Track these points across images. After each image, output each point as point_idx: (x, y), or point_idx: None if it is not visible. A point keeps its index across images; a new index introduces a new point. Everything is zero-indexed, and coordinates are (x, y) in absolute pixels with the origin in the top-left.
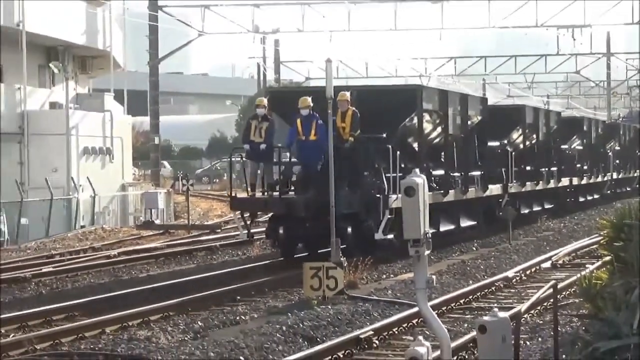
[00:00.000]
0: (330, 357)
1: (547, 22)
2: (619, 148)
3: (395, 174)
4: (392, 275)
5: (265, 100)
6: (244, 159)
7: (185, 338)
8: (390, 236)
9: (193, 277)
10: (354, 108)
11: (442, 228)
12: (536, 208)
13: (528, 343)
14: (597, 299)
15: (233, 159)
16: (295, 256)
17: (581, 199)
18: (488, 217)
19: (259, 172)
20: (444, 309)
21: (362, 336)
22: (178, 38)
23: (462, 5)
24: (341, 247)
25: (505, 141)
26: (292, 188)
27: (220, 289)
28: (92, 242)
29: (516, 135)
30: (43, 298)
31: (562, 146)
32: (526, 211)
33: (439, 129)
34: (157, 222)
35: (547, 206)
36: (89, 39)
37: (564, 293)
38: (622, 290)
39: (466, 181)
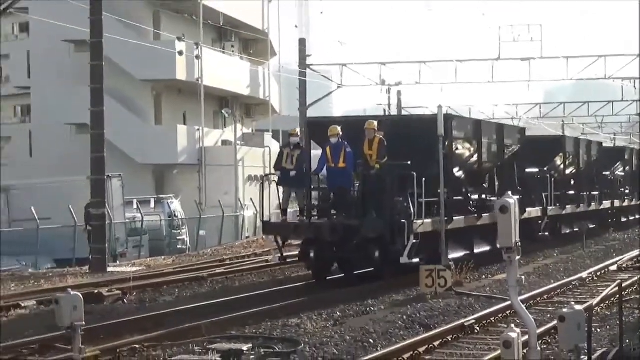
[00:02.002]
0: (441, 341)
1: (614, 74)
2: None
3: (420, 200)
4: (489, 276)
5: (298, 130)
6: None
7: (327, 325)
8: (416, 260)
9: (332, 277)
10: (381, 136)
11: (477, 250)
12: (577, 229)
13: (599, 330)
14: None
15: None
16: (328, 278)
17: (623, 219)
18: (528, 238)
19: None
20: (531, 302)
21: (466, 324)
22: (322, 89)
23: (546, 61)
24: (368, 269)
25: (545, 168)
26: (322, 213)
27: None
28: (254, 249)
29: (557, 163)
30: (215, 293)
31: (604, 172)
32: (567, 231)
33: (474, 156)
34: None
35: (590, 226)
36: (252, 91)
37: (628, 290)
38: None
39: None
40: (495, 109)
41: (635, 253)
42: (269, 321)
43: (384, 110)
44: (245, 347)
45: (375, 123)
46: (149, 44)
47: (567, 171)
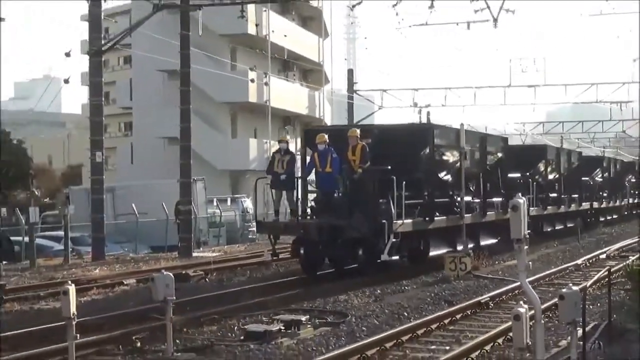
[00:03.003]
0: (462, 314)
1: (604, 99)
2: (634, 180)
3: (399, 202)
4: (502, 262)
5: (287, 137)
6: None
7: (369, 301)
8: (396, 257)
9: (322, 272)
10: (363, 143)
11: (459, 247)
12: (559, 227)
13: (591, 307)
14: (636, 278)
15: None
16: (318, 273)
17: (602, 219)
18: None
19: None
20: (535, 284)
21: (482, 301)
22: (366, 110)
23: (548, 88)
24: (352, 266)
25: (528, 173)
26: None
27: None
28: None
29: (540, 169)
30: (279, 274)
31: (584, 178)
32: (549, 229)
33: (458, 162)
34: None
35: (569, 225)
36: (310, 111)
37: (615, 275)
38: None
39: (484, 206)
40: (507, 126)
41: (620, 244)
42: (322, 297)
43: None
44: (303, 318)
45: (358, 131)
46: (227, 73)
47: (550, 176)
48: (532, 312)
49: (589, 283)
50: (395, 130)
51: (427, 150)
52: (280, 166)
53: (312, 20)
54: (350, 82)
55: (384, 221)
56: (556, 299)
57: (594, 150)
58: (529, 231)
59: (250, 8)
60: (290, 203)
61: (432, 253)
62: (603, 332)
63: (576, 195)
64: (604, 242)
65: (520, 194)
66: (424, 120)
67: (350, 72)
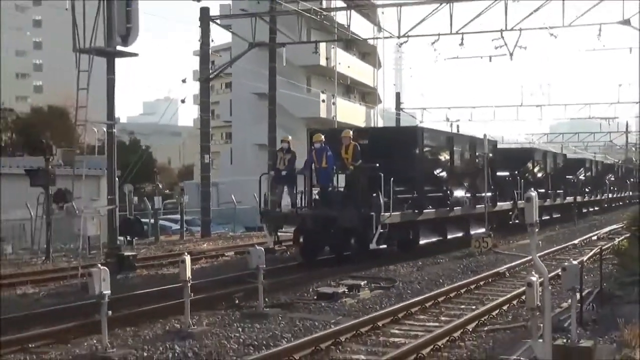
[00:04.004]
0: (484, 281)
1: (595, 115)
2: (614, 179)
3: (387, 196)
4: (516, 242)
5: (289, 138)
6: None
7: (413, 270)
8: (384, 246)
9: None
10: (355, 142)
11: (450, 236)
12: (545, 217)
13: (586, 277)
14: (622, 255)
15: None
16: (318, 258)
17: (584, 210)
18: (501, 224)
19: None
20: (542, 258)
21: (500, 271)
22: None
23: (552, 107)
24: (345, 254)
25: (516, 172)
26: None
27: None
28: None
29: (529, 168)
30: None
31: (568, 176)
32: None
33: (447, 161)
34: None
35: (555, 215)
36: (367, 125)
37: (605, 252)
38: (635, 251)
39: (475, 200)
40: (519, 137)
41: (608, 228)
42: (376, 267)
43: None
44: (362, 283)
45: (351, 132)
46: (303, 95)
47: (539, 175)
48: (541, 280)
49: (584, 258)
50: (389, 132)
51: (417, 150)
52: (282, 164)
53: (368, 55)
54: (398, 103)
55: (372, 213)
56: (559, 271)
57: (587, 156)
58: (517, 221)
59: (322, 45)
60: (291, 196)
61: (422, 242)
62: (596, 296)
63: (561, 191)
64: (595, 227)
65: (514, 190)
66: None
67: (398, 95)
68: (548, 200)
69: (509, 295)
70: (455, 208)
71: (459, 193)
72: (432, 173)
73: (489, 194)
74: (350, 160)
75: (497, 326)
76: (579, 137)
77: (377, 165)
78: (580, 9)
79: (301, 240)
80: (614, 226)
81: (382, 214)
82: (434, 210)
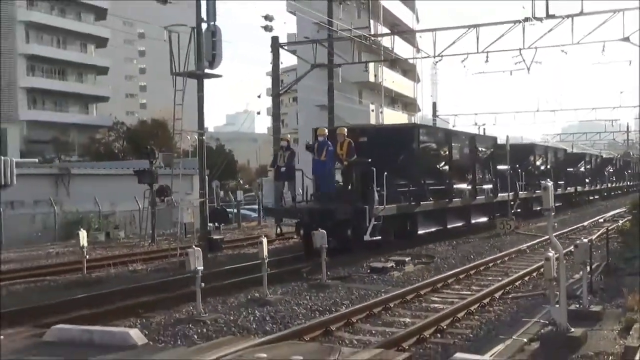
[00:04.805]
0: (508, 257)
1: (601, 118)
2: (612, 170)
3: (381, 190)
4: (535, 224)
5: (289, 137)
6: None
7: (448, 248)
8: (378, 237)
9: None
10: (349, 139)
11: (450, 225)
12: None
13: (595, 253)
14: (625, 234)
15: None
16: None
17: (585, 199)
18: (502, 214)
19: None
20: (557, 237)
21: (521, 248)
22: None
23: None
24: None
25: (517, 165)
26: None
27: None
28: None
29: (530, 161)
30: None
31: (569, 169)
32: (538, 208)
33: (446, 157)
34: None
35: (556, 204)
36: None
37: (610, 232)
38: (636, 231)
39: (474, 192)
40: (535, 137)
41: (612, 212)
42: (417, 247)
43: None
44: (407, 259)
45: (345, 130)
46: (356, 106)
47: (542, 167)
48: (557, 255)
49: (593, 237)
50: (388, 129)
51: (414, 146)
52: (282, 161)
53: (409, 72)
54: (434, 111)
55: (365, 206)
56: (572, 248)
57: (589, 151)
58: (519, 210)
59: (371, 65)
60: (291, 191)
61: (420, 231)
62: (603, 269)
63: (562, 182)
64: (601, 211)
65: (515, 182)
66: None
67: (434, 104)
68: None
69: (529, 269)
70: (454, 199)
71: (458, 185)
72: (429, 167)
73: (490, 185)
74: (345, 156)
75: (520, 294)
76: (586, 136)
77: (370, 160)
78: (586, 29)
79: (302, 232)
80: (617, 210)
81: (376, 206)
82: (432, 202)
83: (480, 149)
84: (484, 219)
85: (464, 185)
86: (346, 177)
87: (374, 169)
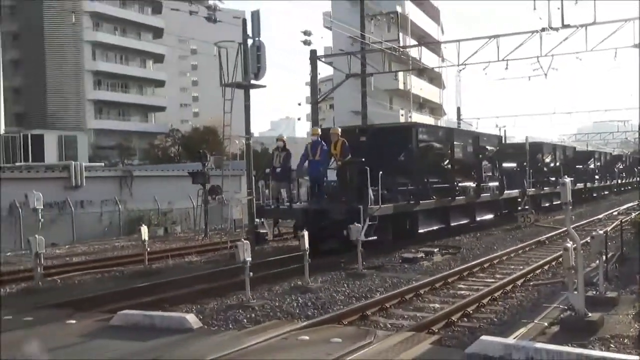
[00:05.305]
0: (529, 247)
1: (613, 119)
2: (622, 167)
3: (376, 189)
4: (553, 217)
5: (284, 137)
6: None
7: (473, 239)
8: (374, 238)
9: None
10: (343, 139)
11: (453, 223)
12: (556, 202)
13: (610, 243)
14: (638, 226)
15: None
16: (322, 249)
17: (595, 195)
18: (511, 211)
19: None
20: (574, 229)
21: (541, 239)
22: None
23: (579, 113)
24: (339, 245)
25: (524, 163)
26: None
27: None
28: None
29: (539, 159)
30: None
31: (577, 166)
32: (547, 204)
33: (446, 155)
34: None
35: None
36: None
37: (625, 223)
38: None
39: (479, 190)
40: (553, 137)
41: (626, 206)
42: (445, 238)
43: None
44: (435, 250)
45: (339, 129)
46: (387, 111)
47: (551, 165)
48: (575, 246)
49: (608, 229)
50: (387, 129)
51: (413, 145)
52: (278, 161)
53: (435, 79)
54: (458, 114)
55: (360, 206)
56: (589, 239)
57: (605, 149)
58: (527, 207)
59: (400, 74)
60: (287, 192)
61: (421, 230)
62: (618, 258)
63: (571, 179)
64: (615, 205)
65: (523, 180)
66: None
67: (458, 109)
68: (559, 187)
69: (548, 258)
70: (457, 198)
71: (462, 183)
72: (430, 166)
73: (496, 183)
74: (339, 156)
75: (540, 281)
76: (600, 136)
77: (369, 159)
78: (599, 36)
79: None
80: (630, 204)
81: (371, 206)
82: (432, 200)
83: (485, 147)
84: (490, 216)
85: (467, 183)
86: (341, 177)
87: (368, 169)
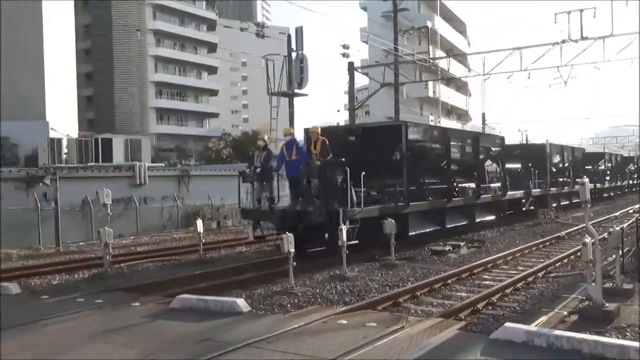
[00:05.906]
0: (549, 242)
1: (628, 123)
2: (633, 168)
3: (357, 190)
4: (572, 214)
5: (266, 136)
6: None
7: (497, 234)
8: (356, 241)
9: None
10: (323, 138)
11: (449, 225)
12: (564, 202)
13: (626, 239)
14: None
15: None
16: (309, 250)
17: (605, 195)
18: (515, 212)
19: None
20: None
21: (561, 235)
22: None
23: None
24: (320, 248)
25: (530, 164)
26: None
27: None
28: None
29: (545, 160)
30: None
31: (587, 167)
32: (554, 205)
33: (441, 155)
34: None
35: (574, 200)
36: None
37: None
38: None
39: (479, 190)
40: (572, 141)
41: (638, 206)
42: (471, 233)
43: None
44: (461, 243)
45: (319, 128)
46: (418, 117)
47: (560, 166)
48: (593, 241)
49: (624, 225)
50: (375, 128)
51: (403, 144)
52: (258, 161)
53: (462, 88)
54: (483, 120)
55: (339, 209)
56: (606, 234)
57: (623, 152)
58: (532, 207)
59: (430, 83)
60: (268, 192)
61: (411, 233)
62: (634, 253)
63: (579, 180)
64: (629, 203)
65: (528, 181)
66: (523, 139)
67: (483, 115)
68: (567, 187)
69: (568, 252)
70: (454, 199)
71: (462, 184)
72: (423, 165)
73: (498, 184)
74: (318, 156)
75: (560, 274)
76: (617, 139)
77: (358, 160)
78: (616, 47)
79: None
80: (637, 205)
81: (352, 208)
82: (425, 202)
83: (486, 147)
84: (491, 217)
85: (466, 184)
86: (321, 178)
87: (348, 169)
